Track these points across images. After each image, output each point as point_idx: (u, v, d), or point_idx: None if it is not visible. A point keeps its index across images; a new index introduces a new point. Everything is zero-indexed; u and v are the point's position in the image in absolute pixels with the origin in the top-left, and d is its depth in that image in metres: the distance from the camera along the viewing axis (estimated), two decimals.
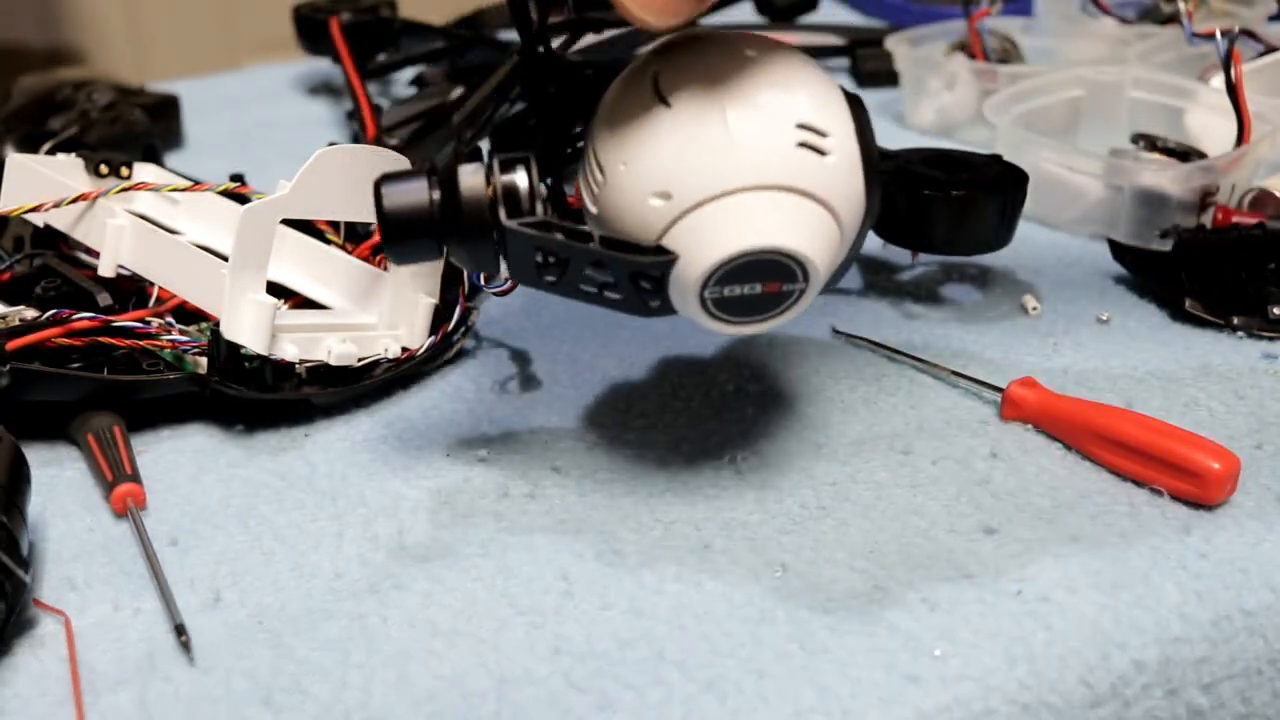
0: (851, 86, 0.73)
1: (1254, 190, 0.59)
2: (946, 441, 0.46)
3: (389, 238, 0.38)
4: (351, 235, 0.56)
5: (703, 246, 0.36)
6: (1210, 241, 0.57)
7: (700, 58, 0.38)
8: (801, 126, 0.37)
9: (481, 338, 0.55)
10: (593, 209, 0.39)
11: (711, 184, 0.36)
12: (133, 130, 0.71)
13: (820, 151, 0.37)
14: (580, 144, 0.41)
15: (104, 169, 0.57)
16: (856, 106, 0.40)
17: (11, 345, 0.45)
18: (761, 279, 0.37)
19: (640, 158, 0.37)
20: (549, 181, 0.39)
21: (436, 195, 0.38)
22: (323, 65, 0.89)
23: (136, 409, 0.48)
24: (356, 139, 0.72)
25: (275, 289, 0.51)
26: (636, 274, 0.37)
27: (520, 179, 0.38)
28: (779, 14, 0.89)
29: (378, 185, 0.38)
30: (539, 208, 0.38)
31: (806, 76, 0.39)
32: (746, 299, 0.37)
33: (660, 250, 0.37)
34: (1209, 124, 0.64)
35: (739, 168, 0.36)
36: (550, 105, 0.40)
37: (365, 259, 0.54)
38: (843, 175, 0.38)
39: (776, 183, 0.37)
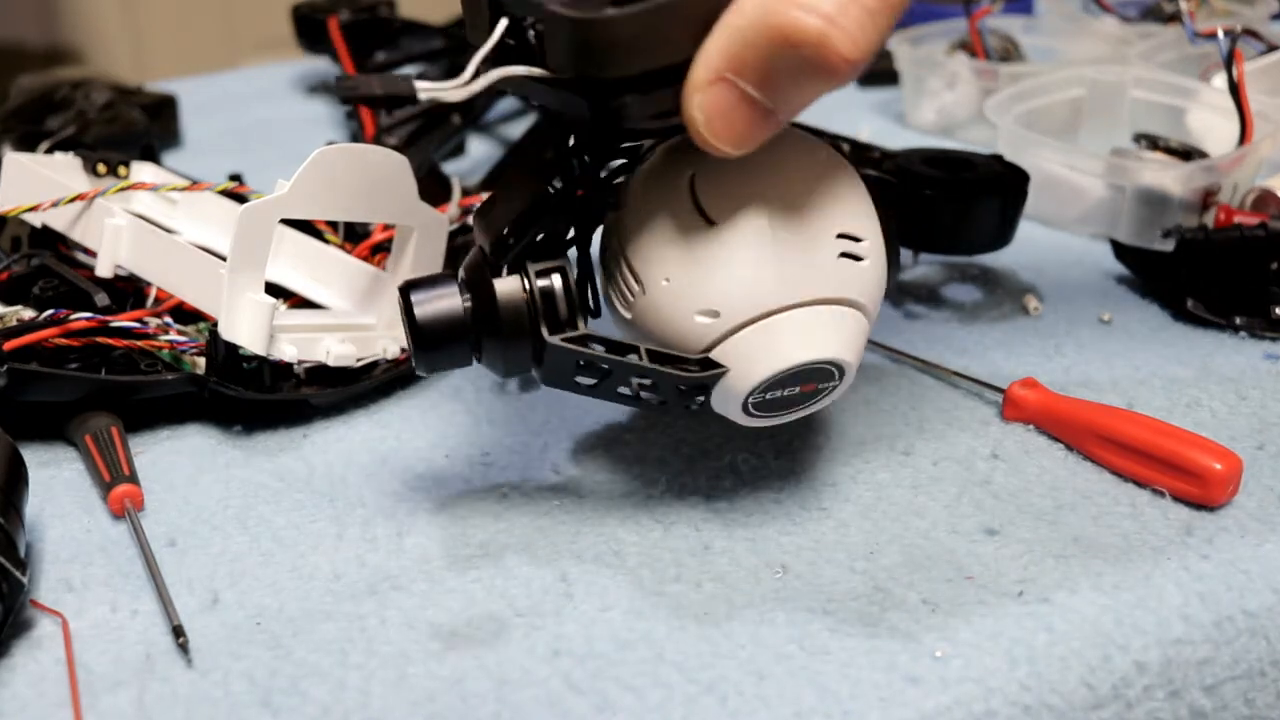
0: (852, 86, 0.73)
1: (1256, 190, 0.59)
2: (947, 442, 0.46)
3: (421, 346, 0.38)
4: (350, 235, 0.56)
5: (753, 362, 0.37)
6: (1212, 241, 0.56)
7: (738, 165, 0.37)
8: (841, 236, 0.38)
9: None
10: (626, 315, 0.39)
11: (760, 304, 0.37)
12: (131, 130, 0.71)
13: (858, 258, 0.38)
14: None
15: (102, 168, 0.57)
16: (882, 194, 0.40)
17: (9, 345, 0.45)
18: (801, 383, 0.38)
19: (686, 276, 0.37)
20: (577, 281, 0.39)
21: (468, 303, 0.38)
22: (321, 64, 0.89)
23: (134, 409, 0.47)
24: (355, 138, 0.72)
25: (274, 289, 0.51)
26: (685, 385, 0.38)
27: (558, 288, 0.38)
28: None
29: (405, 292, 0.38)
30: (579, 321, 0.38)
31: (841, 180, 0.39)
32: (785, 399, 0.39)
33: (709, 363, 0.37)
34: (1211, 123, 0.64)
35: (786, 286, 0.37)
36: (582, 211, 0.40)
37: (364, 259, 0.54)
38: (875, 275, 0.39)
39: (821, 297, 0.37)
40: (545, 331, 0.37)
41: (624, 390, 0.39)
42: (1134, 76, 0.68)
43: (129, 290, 0.51)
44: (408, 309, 0.38)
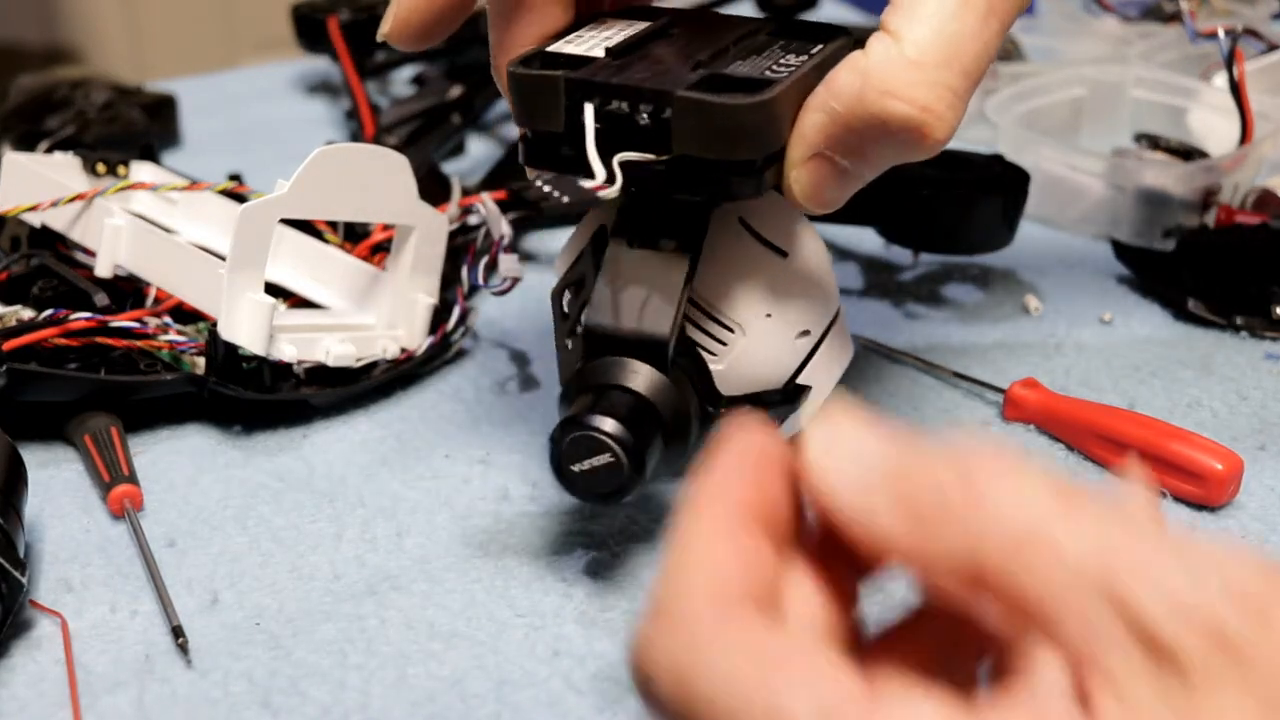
0: None
1: (1257, 190, 0.59)
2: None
3: (637, 469, 0.36)
4: (350, 235, 0.56)
5: (831, 368, 0.42)
6: (1213, 241, 0.56)
7: (770, 200, 0.40)
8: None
9: (480, 338, 0.55)
10: (718, 368, 0.40)
11: (830, 314, 0.41)
12: (130, 129, 0.71)
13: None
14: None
15: (101, 168, 0.57)
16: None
17: (8, 345, 0.45)
18: None
19: (783, 306, 0.40)
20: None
21: (649, 409, 0.38)
22: (321, 64, 0.89)
23: (134, 410, 0.47)
24: (355, 138, 0.72)
25: (273, 289, 0.51)
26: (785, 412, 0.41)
27: (694, 365, 0.39)
28: (780, 12, 0.88)
29: (587, 424, 0.36)
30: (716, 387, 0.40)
31: None
32: None
33: (800, 387, 0.41)
34: (1212, 123, 0.64)
35: (835, 296, 0.42)
36: None
37: (364, 259, 0.54)
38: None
39: (839, 302, 0.43)
40: (711, 406, 0.39)
41: None
42: (1135, 76, 0.68)
43: (128, 290, 0.51)
44: (603, 440, 0.36)
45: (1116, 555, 0.20)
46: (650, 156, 0.35)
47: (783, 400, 0.40)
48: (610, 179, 0.35)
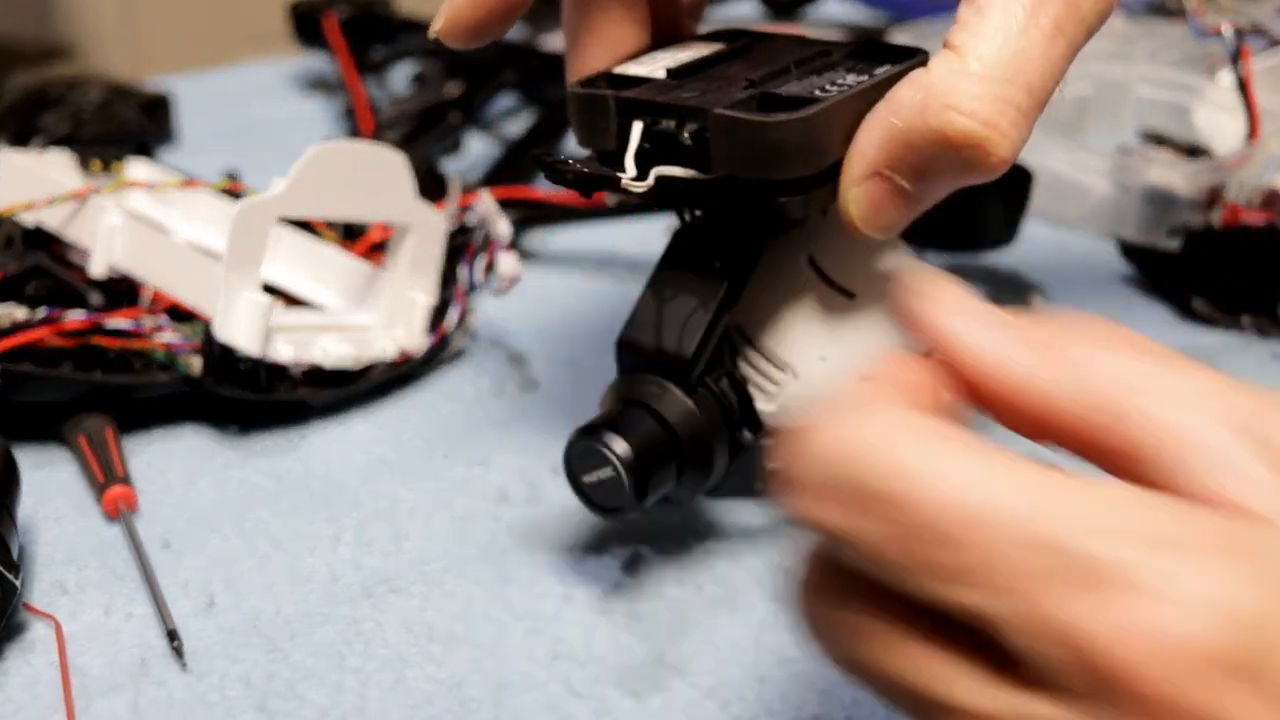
0: None
1: (1263, 188, 0.59)
2: None
3: (640, 488, 0.36)
4: (348, 234, 0.56)
5: None
6: (1219, 240, 0.56)
7: (845, 239, 0.39)
8: None
9: (480, 338, 0.55)
10: (768, 407, 0.39)
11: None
12: (126, 127, 0.71)
13: None
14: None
15: (96, 166, 0.56)
16: None
17: (2, 346, 0.44)
18: None
19: (843, 351, 0.38)
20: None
21: (664, 431, 0.37)
22: (319, 62, 0.89)
23: (129, 410, 0.47)
24: (353, 136, 0.72)
25: (270, 288, 0.51)
26: None
27: (734, 392, 0.39)
28: (782, 9, 0.88)
29: (599, 437, 0.37)
30: (759, 417, 0.39)
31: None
32: None
33: None
34: (1218, 121, 0.64)
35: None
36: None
37: (362, 258, 0.53)
38: None
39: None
40: (743, 435, 0.38)
41: None
42: (1140, 74, 0.68)
43: (123, 290, 0.51)
44: (607, 454, 0.36)
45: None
46: (690, 173, 0.35)
47: None
48: (641, 176, 0.35)
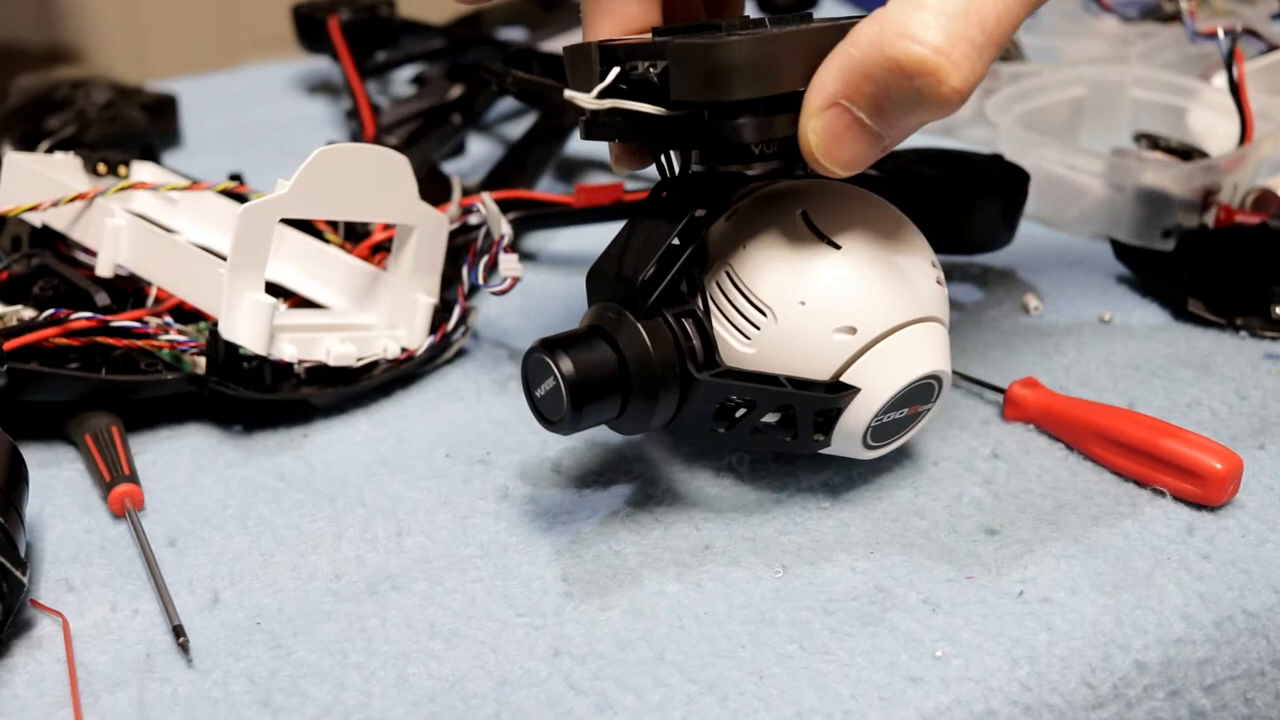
0: None
1: (1256, 190, 0.59)
2: (948, 442, 0.46)
3: (575, 405, 0.38)
4: (350, 235, 0.56)
5: (886, 375, 0.39)
6: (1213, 241, 0.56)
7: (842, 202, 0.40)
8: (933, 265, 0.41)
9: (481, 338, 0.55)
10: (747, 350, 0.40)
11: (890, 319, 0.39)
12: (131, 129, 0.71)
13: (941, 283, 0.41)
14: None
15: (102, 168, 0.57)
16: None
17: (9, 345, 0.45)
18: (910, 403, 0.41)
19: (822, 296, 0.39)
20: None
21: (614, 355, 0.38)
22: (321, 64, 0.89)
23: (134, 409, 0.47)
24: (355, 138, 0.72)
25: (274, 289, 0.51)
26: (822, 411, 0.40)
27: (699, 327, 0.39)
28: (780, 10, 0.88)
29: (550, 350, 0.38)
30: (718, 357, 0.39)
31: (907, 219, 0.42)
32: (892, 423, 0.41)
33: (839, 386, 0.39)
34: (1211, 123, 0.64)
35: (906, 304, 0.40)
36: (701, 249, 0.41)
37: (364, 259, 0.54)
38: (947, 297, 0.42)
39: (930, 314, 0.40)
40: (694, 369, 0.38)
41: (757, 428, 0.40)
42: (1134, 76, 0.68)
43: (129, 290, 0.51)
44: (552, 367, 0.38)
45: None
46: (645, 107, 0.36)
47: (821, 394, 0.39)
48: (599, 95, 0.37)
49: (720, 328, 0.40)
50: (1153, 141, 0.62)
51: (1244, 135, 0.59)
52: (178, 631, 0.37)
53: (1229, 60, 0.59)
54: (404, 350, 0.51)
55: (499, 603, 0.39)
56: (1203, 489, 0.42)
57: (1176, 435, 0.43)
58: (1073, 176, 0.62)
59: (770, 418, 0.40)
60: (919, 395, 0.41)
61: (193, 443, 0.48)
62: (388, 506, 0.44)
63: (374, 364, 0.50)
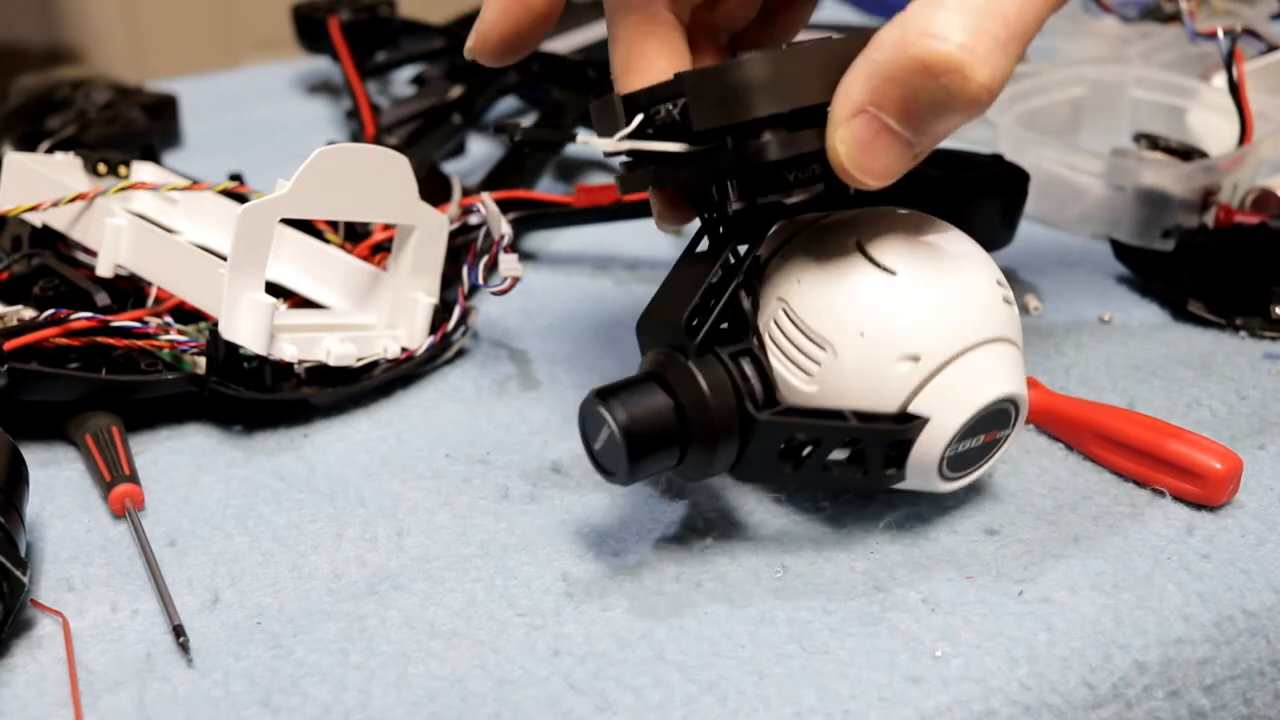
0: None
1: (1256, 190, 0.59)
2: None
3: (634, 458, 0.37)
4: (351, 235, 0.56)
5: (957, 401, 0.38)
6: (1212, 241, 0.56)
7: (899, 227, 0.39)
8: (998, 284, 0.40)
9: (481, 338, 0.55)
10: (808, 388, 0.38)
11: (955, 343, 0.38)
12: (131, 129, 0.71)
13: (1009, 302, 0.40)
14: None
15: (102, 168, 0.57)
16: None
17: (9, 345, 0.45)
18: (986, 430, 0.39)
19: (880, 325, 0.38)
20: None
21: (670, 401, 0.37)
22: (322, 64, 0.89)
23: (135, 409, 0.47)
24: (355, 138, 0.72)
25: (274, 289, 0.51)
26: (892, 444, 0.38)
27: (755, 366, 0.38)
28: None
29: (603, 402, 0.37)
30: (778, 395, 0.38)
31: (967, 238, 0.41)
32: (970, 452, 0.39)
33: (910, 416, 0.38)
34: (1211, 123, 0.64)
35: (972, 327, 0.38)
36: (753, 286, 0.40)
37: (364, 259, 0.54)
38: (1017, 317, 0.41)
39: (998, 335, 0.39)
40: (753, 409, 0.37)
41: (825, 470, 0.39)
42: (1134, 76, 0.68)
43: (129, 290, 0.51)
44: (606, 418, 0.37)
45: None
46: (665, 146, 0.36)
47: (889, 426, 0.38)
48: (634, 166, 0.37)
49: (780, 366, 0.39)
50: (1152, 141, 0.62)
51: (1244, 135, 0.59)
52: (178, 631, 0.37)
53: (1229, 60, 0.59)
54: (404, 350, 0.51)
55: (499, 603, 0.39)
56: (1202, 489, 0.42)
57: (1176, 435, 0.43)
58: (1072, 176, 0.62)
59: (839, 454, 0.38)
60: (994, 421, 0.39)
61: (193, 443, 0.48)
62: (388, 506, 0.44)
63: (374, 364, 0.50)
